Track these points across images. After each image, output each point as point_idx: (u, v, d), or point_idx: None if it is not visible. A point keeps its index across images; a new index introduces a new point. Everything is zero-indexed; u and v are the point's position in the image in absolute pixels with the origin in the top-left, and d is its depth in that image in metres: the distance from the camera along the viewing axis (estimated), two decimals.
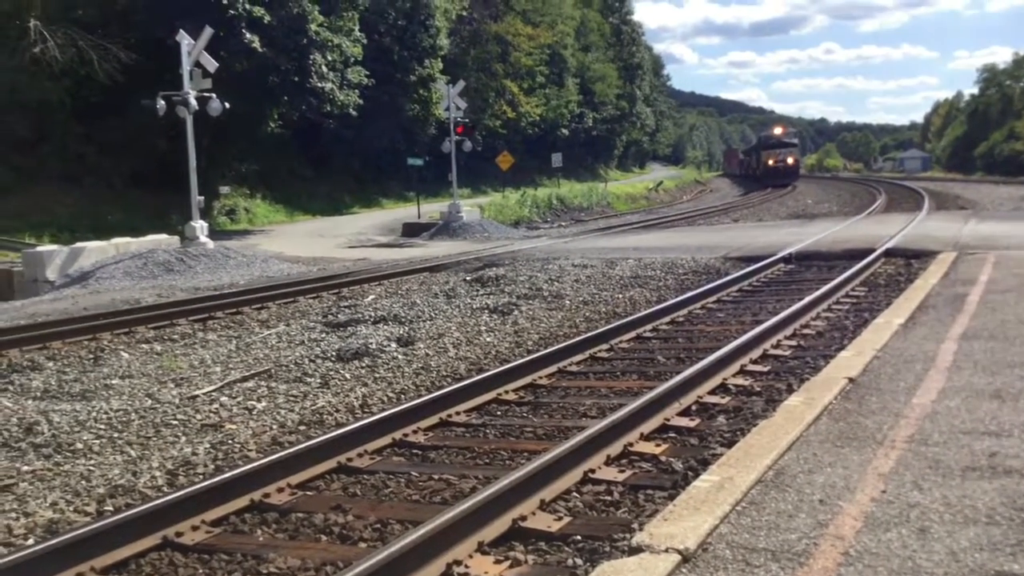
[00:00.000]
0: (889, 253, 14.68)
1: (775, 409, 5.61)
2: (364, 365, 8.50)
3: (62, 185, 28.20)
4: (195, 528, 4.64)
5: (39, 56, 25.46)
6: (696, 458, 5.29)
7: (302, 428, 6.60)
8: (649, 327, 9.71)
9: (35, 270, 17.86)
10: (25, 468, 5.83)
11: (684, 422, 6.09)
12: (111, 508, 5.12)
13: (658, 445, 5.62)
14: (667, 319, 10.18)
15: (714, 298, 11.55)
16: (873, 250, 14.58)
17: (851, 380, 6.03)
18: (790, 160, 68.40)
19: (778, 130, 74.13)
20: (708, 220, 31.61)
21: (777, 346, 8.29)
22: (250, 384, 7.96)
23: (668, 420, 6.08)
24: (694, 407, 6.45)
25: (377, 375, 8.15)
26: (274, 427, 6.62)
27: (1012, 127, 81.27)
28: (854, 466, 4.39)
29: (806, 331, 9.02)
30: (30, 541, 4.67)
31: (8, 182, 27.06)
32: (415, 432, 6.22)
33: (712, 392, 6.80)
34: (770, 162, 68.04)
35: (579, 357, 8.35)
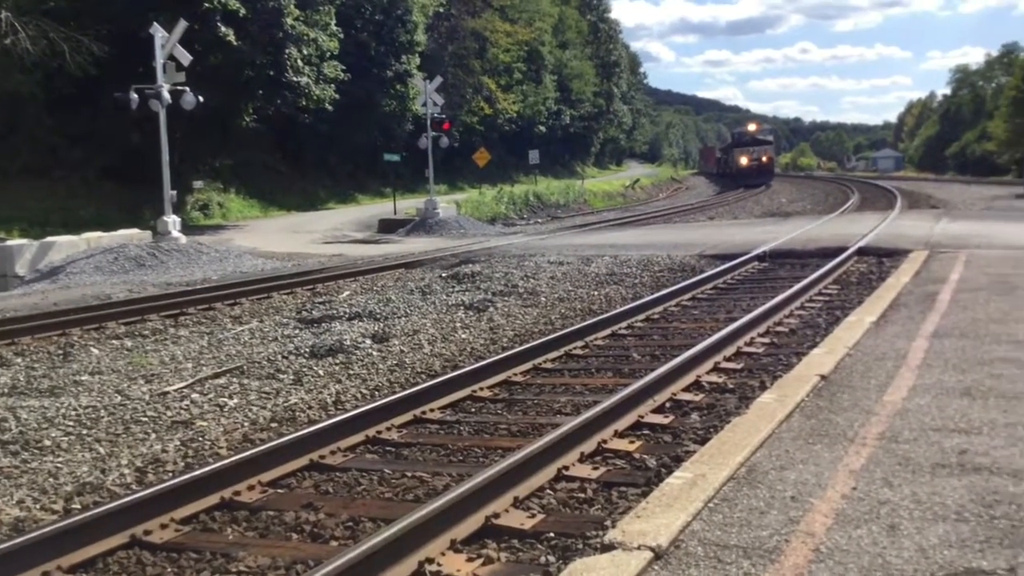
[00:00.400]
0: (862, 251, 14.80)
1: (748, 406, 5.62)
2: (338, 362, 8.46)
3: (32, 178, 27.83)
4: (164, 526, 4.59)
5: (10, 48, 25.07)
6: (670, 455, 5.30)
7: (274, 425, 6.55)
8: (624, 324, 9.73)
9: (4, 265, 17.61)
10: None
11: (658, 419, 6.10)
12: (79, 506, 5.05)
13: (632, 442, 5.62)
14: (642, 316, 10.20)
15: (689, 295, 11.59)
16: (846, 248, 14.69)
17: (823, 377, 6.07)
18: (764, 159, 64.99)
19: (752, 127, 70.85)
20: (684, 218, 31.75)
21: (751, 343, 8.32)
22: (222, 381, 7.89)
23: (642, 417, 6.09)
24: (668, 404, 6.46)
25: (351, 372, 8.10)
26: (245, 424, 6.56)
27: (984, 128, 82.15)
28: (825, 463, 4.41)
29: (779, 329, 9.07)
30: None
31: None
32: (389, 429, 6.19)
33: (686, 389, 6.81)
34: (743, 161, 64.85)
35: (554, 354, 8.34)
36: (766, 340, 8.53)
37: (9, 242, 18.96)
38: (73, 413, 6.87)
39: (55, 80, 27.11)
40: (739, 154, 66.12)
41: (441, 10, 52.60)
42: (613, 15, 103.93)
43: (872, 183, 58.27)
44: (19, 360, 9.28)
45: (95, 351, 9.67)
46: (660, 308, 10.70)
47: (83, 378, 8.19)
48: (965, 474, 4.20)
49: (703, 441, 5.29)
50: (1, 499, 5.15)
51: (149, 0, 25.55)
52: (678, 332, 9.42)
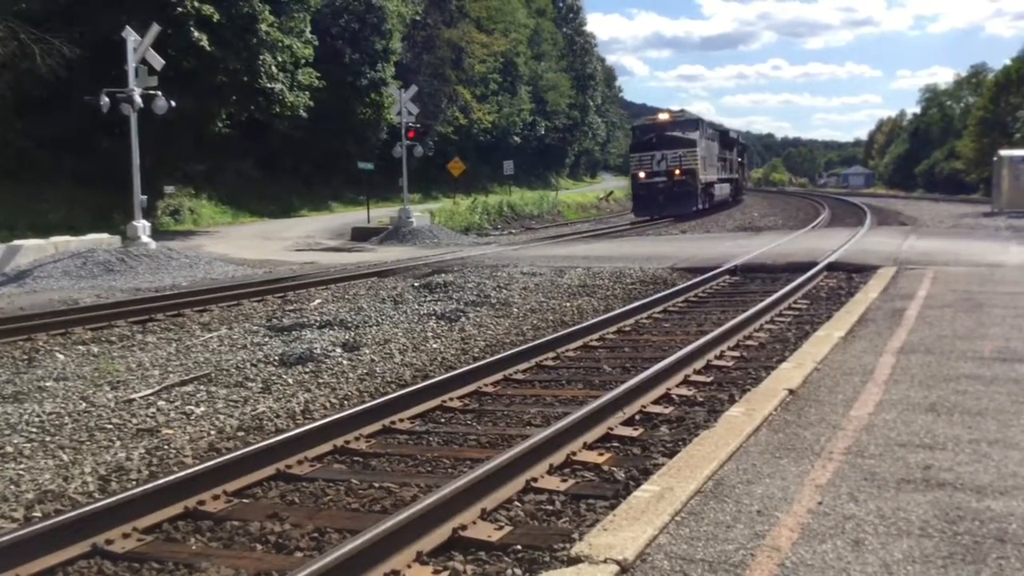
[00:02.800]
0: (831, 267, 14.93)
1: (717, 420, 5.64)
2: (308, 370, 8.40)
3: (1, 181, 27.47)
4: (126, 536, 4.52)
5: None
6: (638, 468, 5.30)
7: (241, 434, 6.48)
8: (596, 336, 9.74)
9: None
10: None
11: (627, 431, 6.10)
12: (39, 514, 4.97)
13: (601, 454, 5.62)
14: (614, 328, 10.22)
15: (660, 308, 11.63)
16: (816, 263, 14.82)
17: (791, 392, 6.10)
18: (677, 171, 37.45)
19: (663, 116, 41.11)
20: (657, 231, 31.87)
21: (720, 357, 8.36)
22: (189, 388, 7.80)
23: (612, 429, 6.09)
24: (638, 417, 6.47)
25: (320, 381, 8.05)
26: (212, 433, 6.49)
27: (952, 146, 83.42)
28: (792, 477, 4.43)
29: (749, 342, 9.12)
30: None
31: None
32: (357, 439, 6.15)
33: (656, 402, 6.83)
34: (640, 174, 38.56)
35: (525, 365, 8.34)
36: (736, 354, 8.58)
37: None
38: (37, 419, 6.77)
39: (25, 82, 26.79)
40: (635, 164, 39.68)
41: (417, 19, 52.65)
42: (588, 28, 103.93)
43: (843, 199, 58.98)
44: None
45: (61, 357, 9.54)
46: (632, 320, 10.73)
47: (48, 384, 8.08)
48: (930, 490, 4.23)
49: (672, 454, 5.30)
50: None
51: (122, 3, 25.37)
52: (649, 344, 9.45)
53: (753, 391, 6.31)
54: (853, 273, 14.20)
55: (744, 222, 35.45)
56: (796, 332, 9.54)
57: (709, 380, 7.55)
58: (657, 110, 43.61)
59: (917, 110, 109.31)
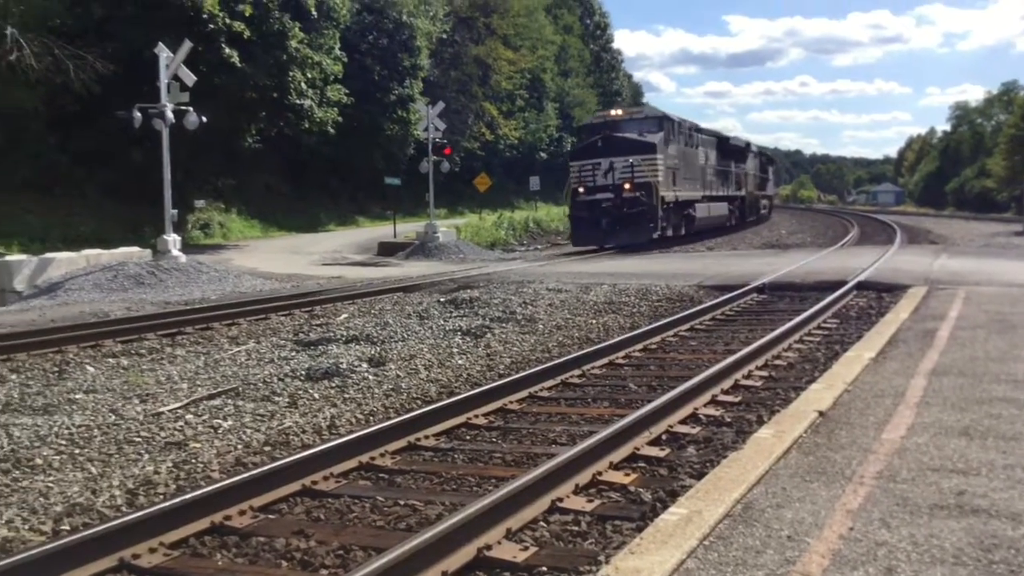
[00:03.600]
0: (861, 286, 14.78)
1: (745, 441, 5.58)
2: (334, 385, 8.41)
3: (33, 194, 27.89)
4: (153, 550, 4.53)
5: (14, 64, 25.20)
6: (665, 489, 5.25)
7: (267, 449, 6.50)
8: (622, 354, 9.69)
9: (3, 280, 17.62)
10: None
11: (654, 452, 6.05)
12: (68, 527, 5.00)
13: (627, 475, 5.57)
14: (640, 346, 10.16)
15: (687, 326, 11.56)
16: (845, 282, 14.68)
17: (821, 413, 6.03)
18: (627, 185, 27.69)
19: (616, 112, 32.39)
20: (683, 247, 31.73)
21: (748, 376, 8.28)
22: (217, 402, 7.84)
23: (638, 449, 6.04)
24: (664, 436, 6.42)
25: (346, 396, 8.06)
26: (239, 447, 6.51)
27: (983, 164, 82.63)
28: (822, 502, 4.37)
29: (777, 362, 9.03)
30: None
31: None
32: (382, 455, 6.14)
33: (683, 422, 6.77)
34: (580, 190, 28.63)
35: (550, 382, 8.31)
36: (764, 374, 8.49)
37: (8, 257, 18.96)
38: (66, 432, 6.82)
39: (59, 97, 27.23)
40: (574, 177, 29.29)
41: (445, 36, 53.00)
42: (615, 45, 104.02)
43: (872, 217, 58.52)
44: (14, 377, 9.24)
45: (91, 369, 9.63)
46: (658, 338, 10.67)
47: (77, 396, 8.15)
48: (963, 516, 4.15)
49: (699, 476, 5.24)
50: None
51: (154, 20, 25.75)
52: (676, 363, 9.39)
53: (782, 412, 6.24)
54: (883, 292, 14.05)
55: (771, 239, 35.25)
56: (826, 352, 9.44)
57: (737, 400, 7.48)
58: None
59: (947, 128, 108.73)
